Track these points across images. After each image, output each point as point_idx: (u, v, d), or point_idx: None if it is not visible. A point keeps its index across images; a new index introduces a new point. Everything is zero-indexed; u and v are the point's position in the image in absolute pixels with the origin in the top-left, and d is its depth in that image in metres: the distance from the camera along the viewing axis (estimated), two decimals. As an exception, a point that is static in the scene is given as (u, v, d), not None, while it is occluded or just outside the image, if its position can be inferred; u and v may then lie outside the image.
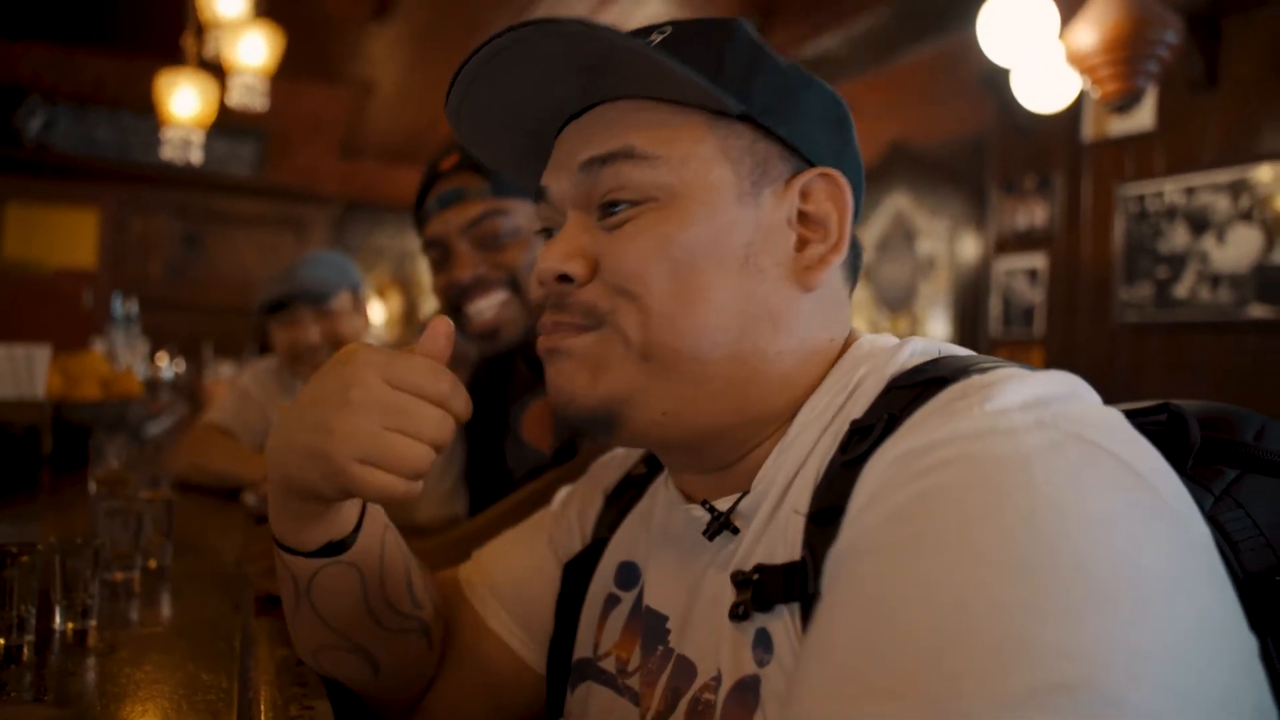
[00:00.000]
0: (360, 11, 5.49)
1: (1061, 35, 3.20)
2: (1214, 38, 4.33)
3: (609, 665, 0.81)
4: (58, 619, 0.97)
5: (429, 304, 7.64)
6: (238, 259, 7.20)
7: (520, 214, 1.47)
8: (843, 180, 0.72)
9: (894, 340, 0.72)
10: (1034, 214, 5.26)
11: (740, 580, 0.66)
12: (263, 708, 0.79)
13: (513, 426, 1.59)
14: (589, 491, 0.96)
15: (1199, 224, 4.42)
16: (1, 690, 0.82)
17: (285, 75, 4.81)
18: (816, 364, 0.72)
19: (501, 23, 0.68)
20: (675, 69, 0.65)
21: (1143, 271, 4.67)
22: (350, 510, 0.77)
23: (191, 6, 4.17)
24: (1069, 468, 0.49)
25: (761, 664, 0.63)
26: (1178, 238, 4.51)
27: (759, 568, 0.65)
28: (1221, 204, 4.32)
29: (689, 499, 0.77)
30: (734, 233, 0.69)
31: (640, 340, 0.67)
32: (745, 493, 0.71)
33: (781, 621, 0.62)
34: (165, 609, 1.15)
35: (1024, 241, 5.33)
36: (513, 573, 0.94)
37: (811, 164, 0.73)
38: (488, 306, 1.45)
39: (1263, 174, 4.16)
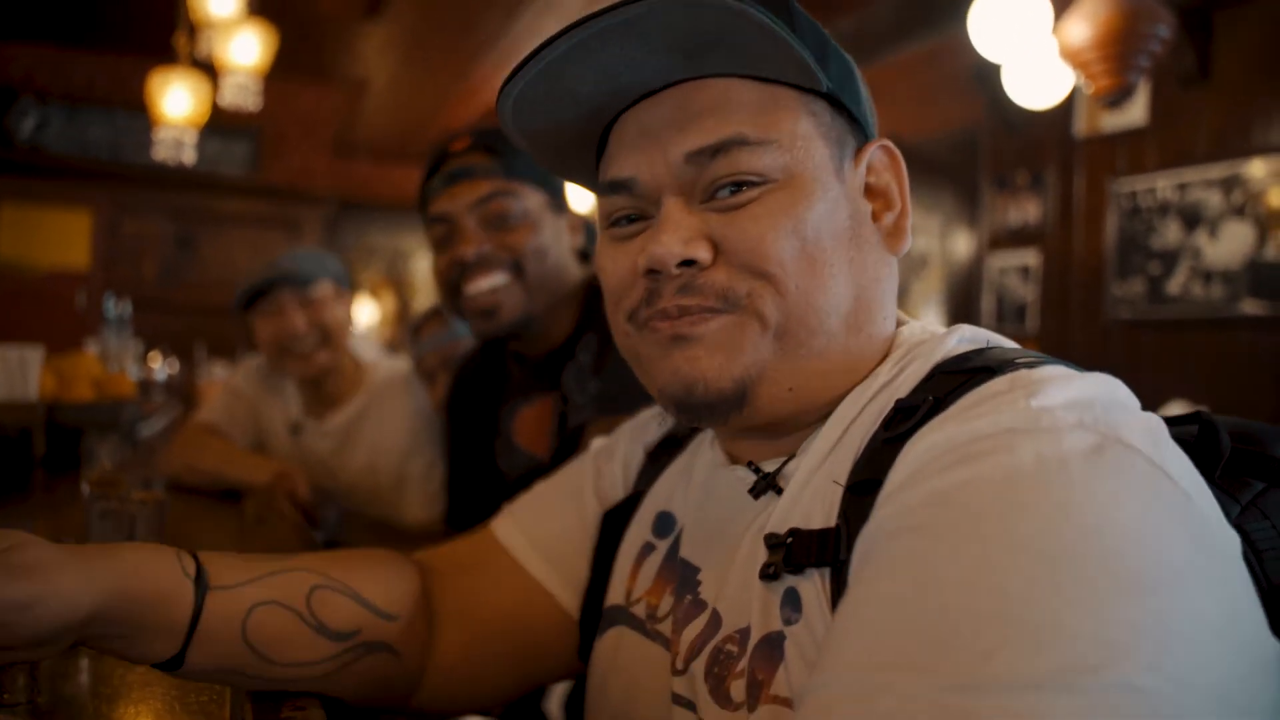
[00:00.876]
0: (352, 10, 5.48)
1: (1053, 30, 3.20)
2: (1206, 32, 4.34)
3: (639, 611, 0.82)
4: (50, 621, 0.97)
5: (422, 303, 7.63)
6: (231, 259, 7.17)
7: (529, 198, 1.45)
8: (896, 151, 0.75)
9: (942, 328, 0.74)
10: (1026, 210, 5.27)
11: (773, 543, 0.67)
12: (255, 708, 0.79)
13: (503, 429, 1.57)
14: (631, 444, 0.96)
15: (1191, 219, 4.43)
16: (-6, 693, 0.82)
17: (278, 74, 4.80)
18: (891, 333, 0.74)
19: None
20: (796, 47, 0.65)
21: (1135, 267, 4.68)
22: (163, 642, 0.72)
23: (183, 5, 4.17)
24: (1106, 467, 0.51)
25: (789, 622, 0.64)
26: (1170, 233, 4.52)
27: (793, 531, 0.66)
28: (1214, 199, 4.33)
29: (733, 459, 0.78)
30: (840, 207, 0.70)
31: (778, 321, 0.68)
32: (792, 456, 0.72)
33: (811, 584, 0.64)
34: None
35: (1016, 238, 5.34)
36: (552, 522, 0.94)
37: (868, 137, 0.75)
38: (488, 287, 1.43)
39: (1255, 169, 4.17)
